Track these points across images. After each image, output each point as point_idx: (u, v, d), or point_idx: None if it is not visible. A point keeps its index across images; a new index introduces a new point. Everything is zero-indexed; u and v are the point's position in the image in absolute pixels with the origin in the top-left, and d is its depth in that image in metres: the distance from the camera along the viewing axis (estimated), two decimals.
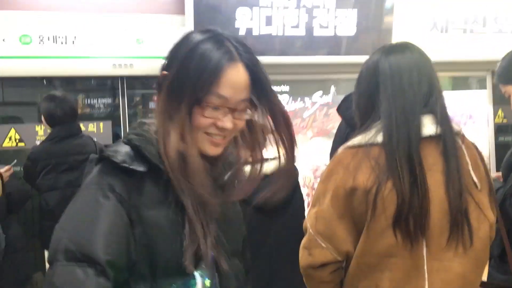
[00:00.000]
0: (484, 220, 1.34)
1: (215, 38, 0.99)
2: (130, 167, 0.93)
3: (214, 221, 1.01)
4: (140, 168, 0.95)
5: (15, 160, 3.23)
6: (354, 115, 1.69)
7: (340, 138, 2.13)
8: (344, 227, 1.33)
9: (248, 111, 1.05)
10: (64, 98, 3.04)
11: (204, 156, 1.01)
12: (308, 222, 1.40)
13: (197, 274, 0.97)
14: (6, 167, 3.01)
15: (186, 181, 0.95)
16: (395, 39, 3.78)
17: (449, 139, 1.31)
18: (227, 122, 0.99)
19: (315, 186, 4.04)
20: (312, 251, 1.38)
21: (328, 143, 4.10)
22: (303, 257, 1.40)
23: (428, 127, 1.31)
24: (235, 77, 0.98)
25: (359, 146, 1.35)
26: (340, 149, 1.41)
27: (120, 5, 3.62)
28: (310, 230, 1.38)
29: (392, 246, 1.29)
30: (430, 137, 1.31)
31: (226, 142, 1.04)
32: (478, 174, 1.36)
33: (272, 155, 1.11)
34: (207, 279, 1.00)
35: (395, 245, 1.28)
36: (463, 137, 1.39)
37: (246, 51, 1.01)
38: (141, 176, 0.96)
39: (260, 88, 1.03)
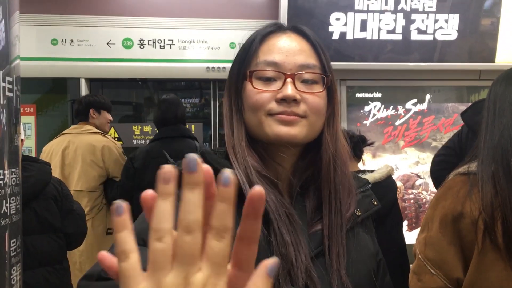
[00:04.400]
0: None
1: (269, 24, 0.92)
2: None
3: (306, 242, 0.81)
4: None
5: None
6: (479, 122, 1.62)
7: (453, 143, 2.03)
8: (454, 254, 1.28)
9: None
10: (173, 101, 3.02)
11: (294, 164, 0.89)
12: (417, 248, 1.36)
13: None
14: None
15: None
16: (501, 45, 3.54)
17: None
18: (286, 90, 0.82)
19: (405, 197, 3.89)
20: (421, 277, 1.33)
21: (421, 154, 3.93)
22: (412, 283, 1.36)
23: None
24: (284, 42, 0.87)
25: (470, 174, 1.29)
26: (451, 175, 1.37)
27: (214, 10, 3.71)
28: (419, 256, 1.34)
29: (503, 279, 1.20)
30: None
31: (302, 125, 0.84)
32: None
33: (371, 166, 1.00)
34: None
35: (506, 279, 1.19)
36: None
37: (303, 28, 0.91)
38: None
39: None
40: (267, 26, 0.92)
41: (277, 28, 0.90)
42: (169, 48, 3.65)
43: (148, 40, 3.63)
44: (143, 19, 3.64)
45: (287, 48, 0.86)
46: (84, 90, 3.69)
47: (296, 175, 0.89)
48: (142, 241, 0.75)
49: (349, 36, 3.50)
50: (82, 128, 3.04)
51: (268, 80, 0.85)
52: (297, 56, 0.85)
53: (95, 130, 3.05)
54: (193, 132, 3.88)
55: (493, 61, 3.59)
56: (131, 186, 2.84)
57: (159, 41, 3.64)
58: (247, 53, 0.88)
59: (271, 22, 0.93)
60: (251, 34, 0.92)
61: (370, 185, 1.00)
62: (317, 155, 0.89)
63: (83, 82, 3.70)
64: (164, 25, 3.65)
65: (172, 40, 3.65)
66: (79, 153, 2.93)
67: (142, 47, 3.63)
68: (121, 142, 3.76)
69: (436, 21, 3.51)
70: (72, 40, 3.60)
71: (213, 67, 3.66)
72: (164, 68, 3.67)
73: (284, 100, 0.83)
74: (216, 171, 0.79)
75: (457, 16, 3.51)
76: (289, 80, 0.83)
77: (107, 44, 3.61)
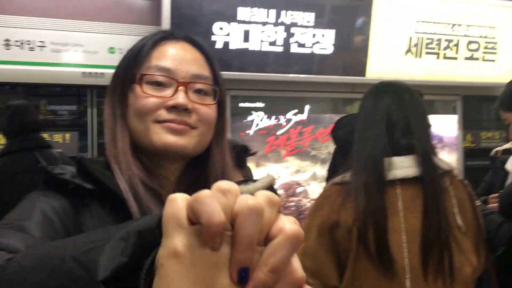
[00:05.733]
0: (466, 263, 1.32)
1: (161, 31, 0.90)
2: (77, 182, 0.74)
3: None
4: (87, 185, 0.75)
5: None
6: (342, 137, 1.68)
7: (332, 162, 2.11)
8: (330, 262, 1.32)
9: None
10: (19, 108, 2.67)
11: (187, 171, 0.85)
12: None
13: None
14: None
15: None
16: (371, 61, 3.81)
17: (429, 181, 1.31)
18: (178, 98, 0.80)
19: (287, 205, 4.00)
20: None
21: (302, 162, 4.08)
22: None
23: (407, 169, 1.32)
24: (177, 50, 0.85)
25: (344, 183, 1.35)
26: (327, 185, 1.43)
27: (93, 12, 3.50)
28: None
29: (376, 284, 1.27)
30: (415, 178, 1.31)
31: (192, 136, 0.82)
32: (464, 216, 1.35)
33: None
34: None
35: (378, 286, 1.27)
36: (452, 177, 1.38)
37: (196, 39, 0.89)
38: (89, 198, 0.76)
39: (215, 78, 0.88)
40: (159, 32, 0.89)
41: (170, 35, 0.88)
42: (39, 50, 3.35)
43: (15, 41, 3.31)
44: (9, 17, 3.30)
45: (181, 56, 0.84)
46: None
47: (181, 189, 0.84)
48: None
49: (232, 46, 3.52)
50: None
51: (159, 85, 0.82)
52: (190, 66, 0.84)
53: None
54: (68, 142, 3.62)
55: (364, 75, 3.85)
56: None
57: (28, 42, 3.33)
58: (137, 56, 0.84)
59: (163, 29, 0.91)
60: (141, 39, 0.88)
61: None
62: (203, 171, 0.86)
63: None
64: (34, 25, 3.35)
65: (44, 42, 3.36)
66: None
67: (8, 48, 3.29)
68: None
69: (313, 35, 3.67)
70: None
71: (90, 72, 3.43)
72: (34, 71, 3.36)
73: (175, 108, 0.80)
74: (99, 183, 0.74)
75: (332, 31, 3.71)
76: (181, 88, 0.81)
77: None
